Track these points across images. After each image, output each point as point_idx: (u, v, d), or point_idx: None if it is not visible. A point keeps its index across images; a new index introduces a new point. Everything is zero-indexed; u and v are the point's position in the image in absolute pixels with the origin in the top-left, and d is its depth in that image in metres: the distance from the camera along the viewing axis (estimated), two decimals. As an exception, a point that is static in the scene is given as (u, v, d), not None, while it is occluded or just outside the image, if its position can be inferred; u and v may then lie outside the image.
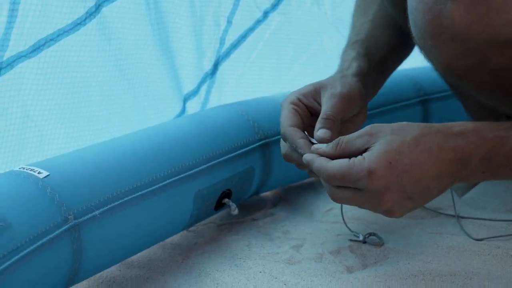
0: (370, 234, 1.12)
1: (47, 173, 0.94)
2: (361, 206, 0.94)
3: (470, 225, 1.15)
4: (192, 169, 1.08)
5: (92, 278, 1.06)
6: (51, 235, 0.88)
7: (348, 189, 0.92)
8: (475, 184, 1.29)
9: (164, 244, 1.17)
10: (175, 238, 1.19)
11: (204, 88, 1.33)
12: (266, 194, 1.38)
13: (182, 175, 1.07)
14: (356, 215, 1.21)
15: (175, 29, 1.27)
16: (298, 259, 1.07)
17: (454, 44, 0.93)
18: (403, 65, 1.64)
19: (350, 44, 1.20)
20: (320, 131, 1.01)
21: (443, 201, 1.21)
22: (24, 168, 0.95)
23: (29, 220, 0.87)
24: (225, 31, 1.32)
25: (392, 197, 0.90)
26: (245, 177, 1.18)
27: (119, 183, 0.99)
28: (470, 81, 0.99)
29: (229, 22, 1.33)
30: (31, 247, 0.85)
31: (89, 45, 1.13)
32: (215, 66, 1.32)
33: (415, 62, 1.63)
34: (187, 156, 1.09)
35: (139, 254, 1.13)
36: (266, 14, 1.39)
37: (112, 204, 0.97)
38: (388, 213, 0.93)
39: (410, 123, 0.93)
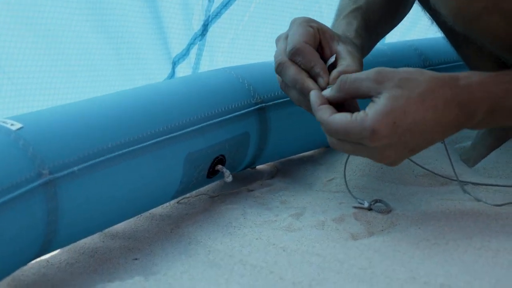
0: (376, 201, 1.03)
1: (21, 125, 0.85)
2: (361, 156, 0.89)
3: (483, 192, 1.06)
4: (182, 129, 0.99)
5: (72, 248, 0.98)
6: (23, 189, 0.79)
7: (349, 143, 0.87)
8: (486, 154, 1.21)
9: (152, 216, 1.08)
10: (164, 210, 1.10)
11: (194, 51, 1.24)
12: (262, 167, 1.29)
13: (171, 135, 0.97)
14: (360, 184, 1.12)
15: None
16: (297, 226, 0.99)
17: None
18: (408, 35, 1.58)
19: (350, 11, 1.12)
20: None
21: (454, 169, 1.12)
22: (-5, 121, 0.86)
23: (-2, 172, 0.78)
24: (213, -13, 1.23)
25: (394, 153, 0.86)
26: (240, 143, 1.09)
27: (101, 138, 0.90)
28: (482, 28, 0.93)
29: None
30: (0, 200, 0.76)
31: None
32: (205, 27, 1.23)
33: (418, 35, 1.57)
34: (177, 116, 1.00)
35: (123, 225, 1.05)
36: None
37: (93, 161, 0.88)
38: (389, 164, 0.89)
39: (417, 72, 0.87)
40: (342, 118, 0.85)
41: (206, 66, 1.27)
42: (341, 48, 0.97)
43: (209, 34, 1.25)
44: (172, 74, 1.22)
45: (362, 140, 0.84)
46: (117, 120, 0.93)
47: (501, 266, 0.81)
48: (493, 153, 1.19)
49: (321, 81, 0.93)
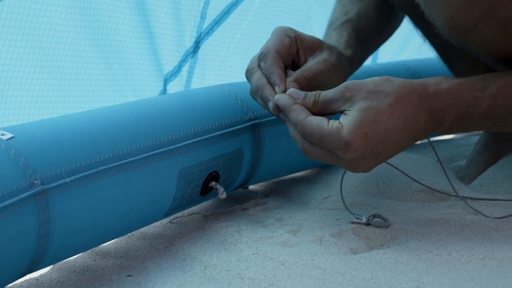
0: (374, 216, 1.01)
1: (12, 135, 0.83)
2: (331, 164, 0.90)
3: (482, 207, 1.05)
4: (175, 143, 0.97)
5: (62, 267, 0.95)
6: (14, 199, 0.76)
7: (321, 148, 0.87)
8: (481, 171, 1.19)
9: (144, 235, 1.05)
10: (156, 229, 1.08)
11: (186, 68, 1.22)
12: (255, 187, 1.27)
13: (164, 149, 0.95)
14: (357, 201, 1.10)
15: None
16: (295, 242, 0.96)
17: None
18: (399, 56, 1.57)
19: (341, 23, 1.12)
20: (293, 84, 0.94)
21: (451, 186, 1.11)
22: (-15, 131, 0.84)
23: (-12, 181, 0.75)
24: (206, 3, 1.20)
25: (367, 163, 0.87)
26: (234, 160, 1.07)
27: (94, 150, 0.87)
28: (477, 38, 0.92)
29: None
30: (-10, 209, 0.73)
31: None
32: (197, 44, 1.21)
33: (409, 55, 1.57)
34: (171, 130, 0.98)
35: (114, 244, 1.02)
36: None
37: (86, 173, 0.85)
38: (361, 172, 0.90)
39: (385, 81, 0.88)
40: (319, 123, 0.86)
41: (197, 83, 1.25)
42: (312, 58, 0.98)
43: (200, 51, 1.23)
44: (163, 91, 1.20)
45: (335, 150, 0.85)
46: (110, 133, 0.91)
47: (506, 275, 0.79)
48: (489, 170, 1.18)
49: (277, 90, 0.94)
